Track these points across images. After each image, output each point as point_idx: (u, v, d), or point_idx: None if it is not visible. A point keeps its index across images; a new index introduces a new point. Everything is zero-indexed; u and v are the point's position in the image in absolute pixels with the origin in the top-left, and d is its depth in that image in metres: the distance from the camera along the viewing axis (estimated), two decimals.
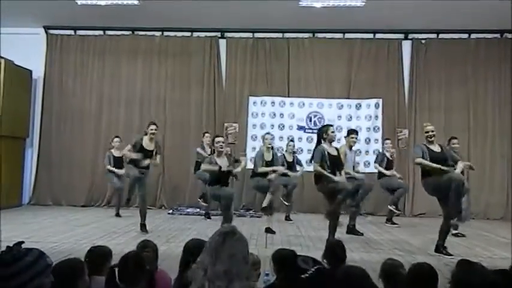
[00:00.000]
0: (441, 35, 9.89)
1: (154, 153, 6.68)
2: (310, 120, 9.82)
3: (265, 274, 2.87)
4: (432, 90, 9.86)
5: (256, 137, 9.80)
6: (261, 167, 7.01)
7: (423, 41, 9.97)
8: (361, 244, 6.13)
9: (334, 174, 5.62)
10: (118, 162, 8.27)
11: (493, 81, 9.76)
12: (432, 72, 9.86)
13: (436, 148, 5.66)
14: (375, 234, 6.90)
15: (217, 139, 6.19)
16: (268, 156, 7.14)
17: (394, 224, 7.88)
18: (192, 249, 2.47)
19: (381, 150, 8.65)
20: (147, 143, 6.61)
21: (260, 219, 8.05)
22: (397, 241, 5.97)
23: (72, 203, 9.73)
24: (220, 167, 5.92)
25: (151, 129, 6.61)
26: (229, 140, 9.73)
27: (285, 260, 2.66)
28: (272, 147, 7.50)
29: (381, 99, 9.74)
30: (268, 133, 8.04)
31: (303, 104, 9.84)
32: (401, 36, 9.99)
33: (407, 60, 9.97)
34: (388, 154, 8.12)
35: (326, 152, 5.66)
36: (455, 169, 5.61)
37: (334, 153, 5.79)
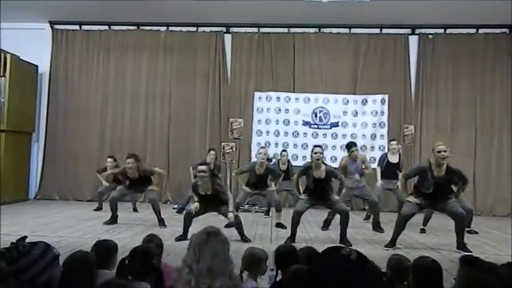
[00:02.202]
0: (448, 30, 9.80)
1: (145, 181, 6.87)
2: (316, 116, 9.77)
3: (270, 269, 2.86)
4: (439, 85, 9.79)
5: (261, 133, 9.80)
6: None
7: (430, 36, 9.88)
8: (368, 240, 6.12)
9: (316, 194, 5.72)
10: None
11: (501, 76, 9.66)
12: (439, 68, 9.78)
13: (441, 172, 5.23)
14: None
15: (200, 167, 5.76)
16: (261, 171, 6.94)
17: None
18: None
19: (385, 150, 8.37)
20: (131, 173, 6.80)
21: (265, 215, 8.07)
22: (403, 237, 5.93)
23: (78, 197, 9.81)
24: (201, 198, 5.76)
25: (127, 163, 6.74)
26: (235, 136, 9.75)
27: (286, 256, 2.68)
28: (268, 159, 7.41)
29: (387, 95, 9.67)
30: (263, 147, 7.93)
31: (309, 100, 9.80)
32: (408, 31, 9.91)
33: (414, 56, 9.89)
34: (391, 157, 7.48)
35: (310, 174, 5.73)
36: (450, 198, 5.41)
37: (320, 176, 5.72)
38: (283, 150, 8.42)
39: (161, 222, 6.76)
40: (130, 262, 2.38)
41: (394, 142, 7.71)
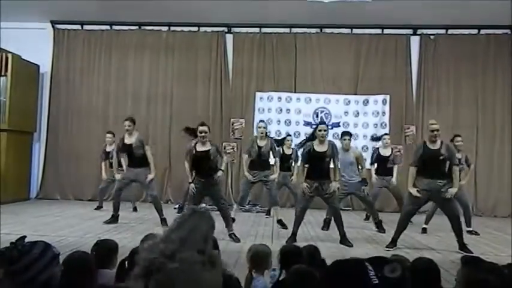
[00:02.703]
0: (450, 31, 9.79)
1: (138, 147, 6.84)
2: (317, 116, 9.76)
3: (272, 269, 2.86)
4: (440, 86, 9.77)
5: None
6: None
7: (432, 37, 9.87)
8: (367, 240, 6.12)
9: (317, 170, 5.74)
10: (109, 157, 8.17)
11: (502, 77, 9.63)
12: (441, 68, 9.77)
13: (435, 146, 5.51)
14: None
15: (201, 128, 5.83)
16: (261, 143, 6.95)
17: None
18: None
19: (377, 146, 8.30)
20: (127, 138, 6.89)
21: (266, 215, 8.07)
22: (404, 238, 5.93)
23: (79, 197, 9.82)
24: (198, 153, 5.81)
25: (124, 125, 6.88)
26: (236, 136, 9.75)
27: (290, 256, 2.68)
28: (266, 135, 7.25)
29: (388, 96, 9.66)
30: (262, 121, 7.83)
31: (310, 100, 9.80)
32: (409, 31, 9.90)
33: (416, 56, 9.88)
34: (383, 150, 7.58)
35: (312, 148, 5.77)
36: (447, 177, 5.47)
37: (322, 149, 5.77)
38: (288, 135, 8.31)
39: (164, 222, 6.74)
40: (130, 262, 2.37)
41: (387, 136, 7.85)
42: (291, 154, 7.82)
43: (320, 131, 5.76)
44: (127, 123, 6.86)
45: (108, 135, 8.42)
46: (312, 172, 5.80)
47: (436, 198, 5.63)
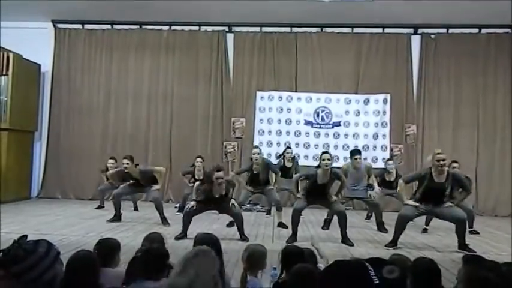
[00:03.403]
0: (451, 30, 9.78)
1: (148, 180, 6.91)
2: (318, 115, 9.77)
3: (272, 268, 2.87)
4: (441, 85, 9.77)
5: (263, 132, 9.82)
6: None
7: (433, 36, 9.86)
8: (369, 240, 6.13)
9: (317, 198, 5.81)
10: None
11: (503, 76, 9.63)
12: (441, 68, 9.76)
13: (440, 179, 5.25)
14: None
15: (217, 174, 5.58)
16: (257, 169, 6.93)
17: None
18: (201, 242, 2.47)
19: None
20: (132, 172, 6.89)
21: (266, 214, 8.07)
22: (404, 237, 5.93)
23: (80, 196, 9.84)
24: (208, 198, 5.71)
25: (122, 163, 6.89)
26: (237, 135, 9.76)
27: (292, 256, 2.68)
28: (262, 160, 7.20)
29: (389, 95, 9.67)
30: (256, 146, 7.76)
31: (311, 99, 9.80)
32: (410, 31, 9.90)
33: (417, 55, 9.88)
34: (388, 175, 7.58)
35: (315, 180, 5.77)
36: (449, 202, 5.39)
37: (324, 182, 5.78)
38: (288, 147, 8.34)
39: (164, 221, 6.78)
40: (145, 261, 2.33)
41: (390, 162, 7.83)
42: (291, 167, 7.82)
43: (324, 160, 5.70)
44: (125, 161, 6.83)
45: (110, 160, 8.44)
46: (310, 195, 5.86)
47: (436, 213, 5.54)
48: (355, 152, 6.96)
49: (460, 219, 5.38)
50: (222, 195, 5.71)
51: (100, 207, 8.33)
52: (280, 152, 8.39)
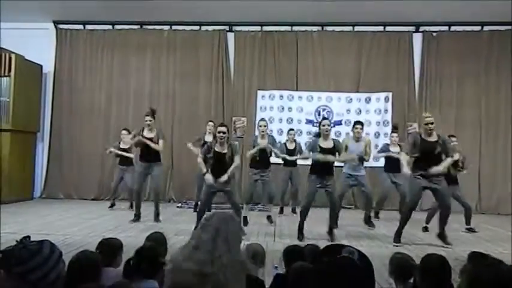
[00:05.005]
0: (453, 28, 9.75)
1: (156, 140, 6.90)
2: (319, 114, 9.76)
3: (274, 267, 2.87)
4: (443, 83, 9.74)
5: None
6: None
7: (434, 34, 9.83)
8: (370, 238, 6.12)
9: (321, 165, 5.85)
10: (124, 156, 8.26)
11: (506, 74, 9.57)
12: (443, 66, 9.73)
13: (431, 139, 5.62)
14: (383, 228, 6.86)
15: (219, 128, 5.85)
16: (263, 143, 6.97)
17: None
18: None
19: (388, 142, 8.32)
20: (146, 132, 6.88)
21: (268, 213, 8.06)
22: (407, 235, 5.94)
23: (82, 196, 9.85)
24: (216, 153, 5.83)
25: (145, 120, 6.87)
26: (238, 134, 9.75)
27: (294, 255, 2.70)
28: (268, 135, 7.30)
29: (390, 93, 9.65)
30: (262, 119, 7.74)
31: (312, 98, 9.80)
32: (412, 28, 9.87)
33: (418, 53, 9.85)
34: (393, 147, 7.66)
35: (318, 145, 5.91)
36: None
37: (328, 146, 5.90)
38: (291, 129, 8.30)
39: (157, 217, 6.81)
40: (137, 261, 2.38)
41: (395, 134, 7.89)
42: (294, 149, 7.82)
43: (324, 126, 5.92)
44: (147, 118, 6.85)
45: (124, 131, 8.41)
46: (315, 166, 5.91)
47: (431, 187, 5.68)
48: (356, 122, 6.97)
49: (446, 205, 5.69)
50: (226, 154, 5.78)
51: (112, 205, 8.35)
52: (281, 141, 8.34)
